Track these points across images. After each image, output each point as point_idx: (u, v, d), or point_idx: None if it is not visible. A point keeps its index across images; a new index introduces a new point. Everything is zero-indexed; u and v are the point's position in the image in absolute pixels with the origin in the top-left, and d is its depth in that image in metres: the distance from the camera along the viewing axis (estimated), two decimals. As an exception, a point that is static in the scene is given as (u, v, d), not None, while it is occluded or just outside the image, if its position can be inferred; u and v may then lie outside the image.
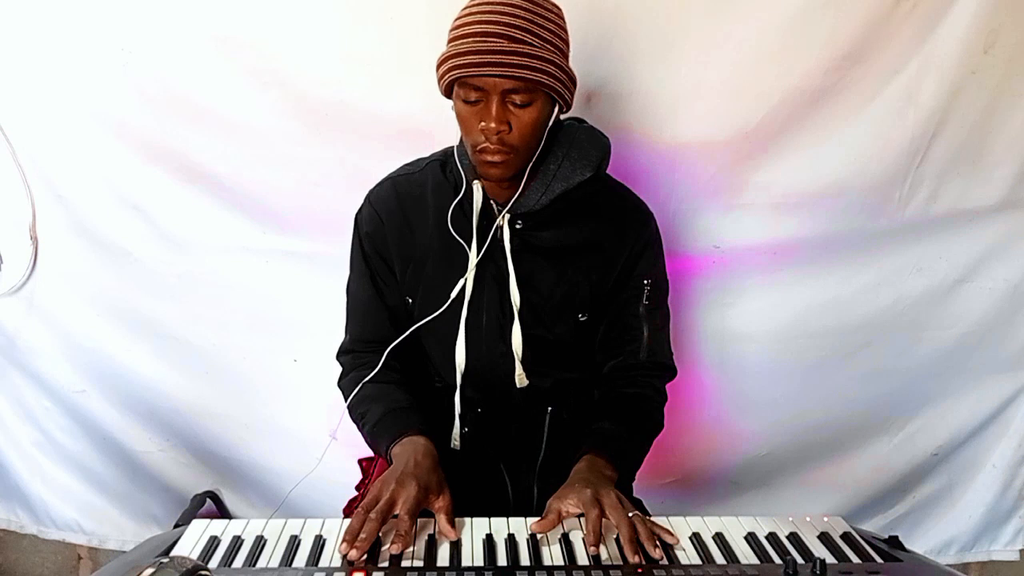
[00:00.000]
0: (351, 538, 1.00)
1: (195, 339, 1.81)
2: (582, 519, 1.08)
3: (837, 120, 1.63)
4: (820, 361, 1.81)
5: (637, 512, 1.07)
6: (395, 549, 1.00)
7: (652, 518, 1.10)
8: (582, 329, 1.32)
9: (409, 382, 1.32)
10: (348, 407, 1.32)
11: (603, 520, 1.04)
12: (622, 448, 1.24)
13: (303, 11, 1.56)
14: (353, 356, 1.37)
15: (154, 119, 1.64)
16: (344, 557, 0.99)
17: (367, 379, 1.29)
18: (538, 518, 1.07)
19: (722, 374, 1.81)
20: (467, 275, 1.25)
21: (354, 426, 1.33)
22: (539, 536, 1.05)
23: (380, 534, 1.02)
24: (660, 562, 1.00)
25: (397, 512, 1.05)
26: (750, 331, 1.78)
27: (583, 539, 1.05)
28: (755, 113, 1.61)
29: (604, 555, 1.02)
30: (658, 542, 1.03)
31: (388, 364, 1.29)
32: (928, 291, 1.77)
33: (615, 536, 1.05)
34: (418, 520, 1.07)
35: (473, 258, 1.25)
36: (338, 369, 1.39)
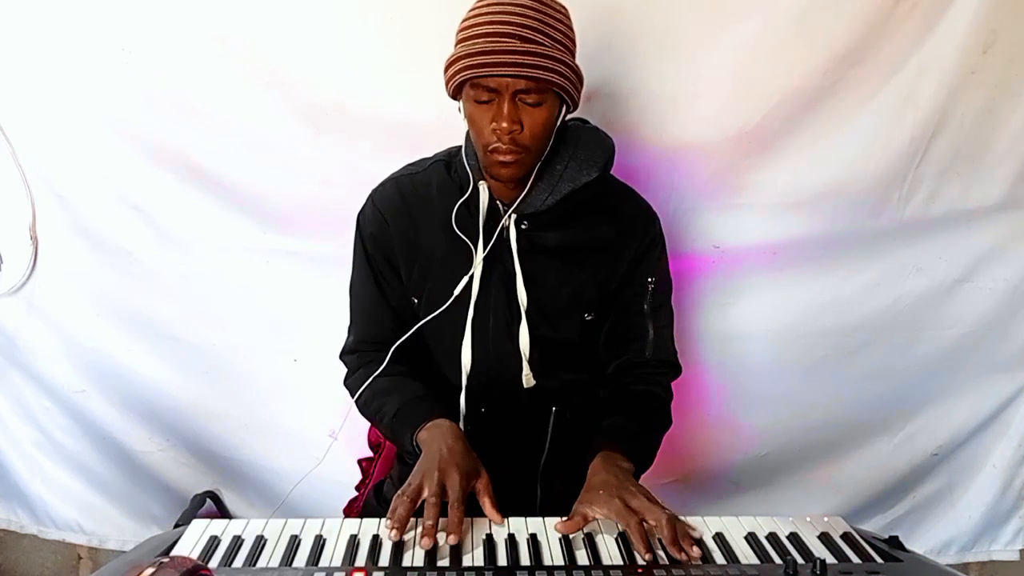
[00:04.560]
0: (398, 525, 1.01)
1: (195, 339, 1.81)
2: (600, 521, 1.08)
3: (837, 120, 1.63)
4: (820, 361, 1.81)
5: (668, 509, 1.06)
6: (451, 540, 1.00)
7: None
8: (588, 329, 1.32)
9: (418, 375, 1.32)
10: (360, 404, 1.32)
11: (643, 525, 1.03)
12: (636, 441, 1.23)
13: (304, 11, 1.56)
14: (358, 356, 1.36)
15: (154, 119, 1.64)
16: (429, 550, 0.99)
17: (376, 374, 1.28)
18: (561, 519, 1.07)
19: (722, 374, 1.81)
20: (474, 271, 1.25)
21: (355, 427, 1.32)
22: (538, 536, 1.05)
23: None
24: (661, 562, 1.00)
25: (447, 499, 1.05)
26: (750, 331, 1.78)
27: (630, 544, 1.03)
28: (755, 113, 1.61)
29: (604, 555, 1.02)
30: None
31: (395, 360, 1.29)
32: (928, 291, 1.77)
33: (616, 535, 1.05)
34: (411, 520, 1.06)
35: (479, 258, 1.25)
36: (340, 369, 1.39)
